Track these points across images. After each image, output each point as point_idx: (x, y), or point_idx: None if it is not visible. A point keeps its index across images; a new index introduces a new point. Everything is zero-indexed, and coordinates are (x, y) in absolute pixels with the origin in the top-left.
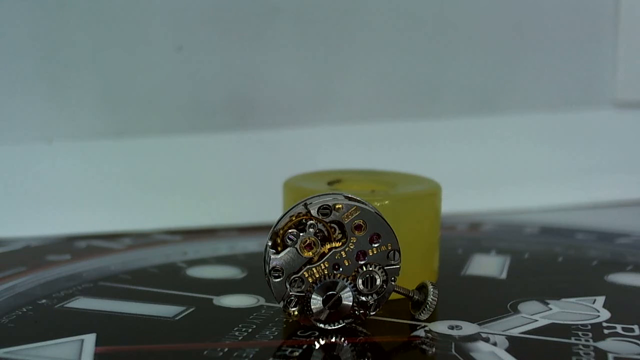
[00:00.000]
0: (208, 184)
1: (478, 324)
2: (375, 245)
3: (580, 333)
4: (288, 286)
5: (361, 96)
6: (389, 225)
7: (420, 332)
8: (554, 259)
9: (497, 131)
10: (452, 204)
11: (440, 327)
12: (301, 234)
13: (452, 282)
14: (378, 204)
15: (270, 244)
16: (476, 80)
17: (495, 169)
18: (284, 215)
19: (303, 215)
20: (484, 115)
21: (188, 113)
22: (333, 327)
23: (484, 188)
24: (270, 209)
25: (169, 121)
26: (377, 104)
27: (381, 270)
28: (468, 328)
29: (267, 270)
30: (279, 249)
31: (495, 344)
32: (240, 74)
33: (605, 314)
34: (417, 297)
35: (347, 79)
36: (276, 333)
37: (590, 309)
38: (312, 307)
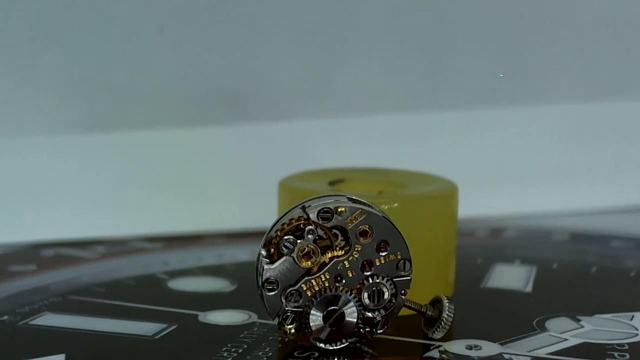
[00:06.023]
0: (193, 184)
1: (500, 344)
2: (383, 253)
3: (616, 354)
4: (284, 300)
5: (366, 85)
6: (398, 231)
7: (435, 353)
8: (587, 269)
9: (521, 124)
10: (470, 206)
11: (457, 347)
12: (298, 241)
13: (471, 296)
14: (386, 207)
15: (263, 252)
16: (497, 65)
17: (519, 167)
18: (279, 220)
19: (301, 220)
20: (506, 106)
21: (171, 104)
22: (335, 347)
23: (507, 189)
24: (263, 213)
25: (149, 113)
26: (384, 93)
27: (390, 282)
28: (489, 348)
29: (260, 282)
30: (274, 258)
31: None
32: (230, 60)
33: None
34: (430, 313)
35: (349, 66)
36: (270, 354)
37: (627, 327)
38: (311, 324)
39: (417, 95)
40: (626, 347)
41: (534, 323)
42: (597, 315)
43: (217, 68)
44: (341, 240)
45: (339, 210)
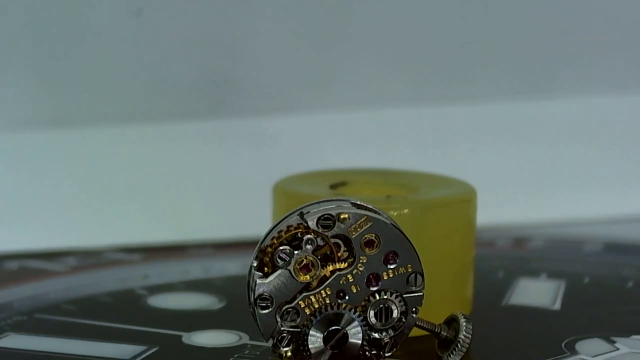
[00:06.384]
0: (176, 188)
1: None
2: (392, 266)
3: None
4: (279, 319)
5: (372, 74)
6: (409, 241)
7: None
8: (622, 284)
9: (549, 120)
10: (491, 213)
11: None
12: (296, 252)
13: (491, 315)
14: (395, 213)
15: (256, 264)
16: (522, 52)
17: (546, 168)
18: (273, 228)
19: (298, 228)
20: (532, 99)
21: (149, 95)
22: None
23: (532, 193)
24: (255, 220)
25: (124, 106)
26: (392, 83)
27: (399, 298)
28: None
29: (252, 299)
30: (268, 271)
31: None
32: (217, 43)
33: None
34: (445, 334)
35: (354, 52)
36: None
37: None
38: (310, 346)
39: (432, 86)
40: None
41: (563, 345)
42: (634, 337)
43: (203, 53)
44: (344, 251)
45: (342, 217)
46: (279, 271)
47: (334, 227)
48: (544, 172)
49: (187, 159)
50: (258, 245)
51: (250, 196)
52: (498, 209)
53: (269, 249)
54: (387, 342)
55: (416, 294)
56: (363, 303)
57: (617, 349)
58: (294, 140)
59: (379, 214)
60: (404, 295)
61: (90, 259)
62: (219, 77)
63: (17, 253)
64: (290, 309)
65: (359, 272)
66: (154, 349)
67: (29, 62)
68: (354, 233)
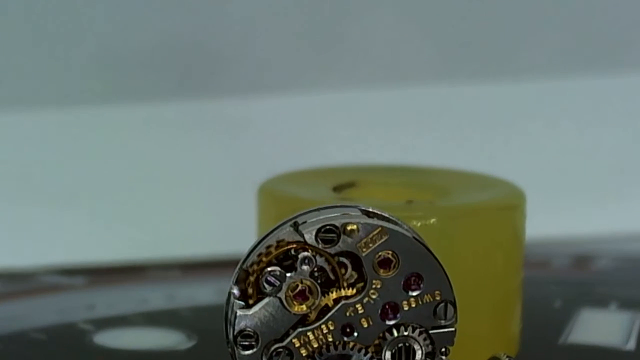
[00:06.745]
0: (131, 192)
1: None
2: (415, 293)
3: None
4: None
5: (389, 43)
6: (437, 260)
7: None
8: None
9: (617, 100)
10: (544, 222)
11: None
12: (288, 275)
13: (544, 356)
14: (419, 224)
15: (236, 291)
16: (581, 17)
17: (616, 164)
18: (259, 243)
19: (292, 243)
20: (595, 76)
21: (99, 70)
22: None
23: (597, 196)
24: (235, 233)
25: (66, 84)
26: (414, 55)
27: (424, 335)
28: None
29: (232, 336)
30: (252, 299)
31: None
32: (187, 5)
33: None
34: None
35: (362, 15)
36: None
37: None
38: None
39: (464, 59)
40: None
41: None
42: None
43: (175, 25)
44: (352, 274)
45: (349, 228)
46: (266, 299)
47: (338, 241)
48: (613, 168)
49: (149, 153)
50: (239, 266)
51: (229, 201)
52: (553, 218)
53: (254, 268)
54: None
55: (446, 330)
56: (377, 341)
57: None
58: (286, 127)
59: (398, 224)
60: (431, 332)
61: (18, 283)
62: (189, 47)
63: None
64: (281, 349)
65: (372, 301)
66: None
67: None
68: (364, 250)
